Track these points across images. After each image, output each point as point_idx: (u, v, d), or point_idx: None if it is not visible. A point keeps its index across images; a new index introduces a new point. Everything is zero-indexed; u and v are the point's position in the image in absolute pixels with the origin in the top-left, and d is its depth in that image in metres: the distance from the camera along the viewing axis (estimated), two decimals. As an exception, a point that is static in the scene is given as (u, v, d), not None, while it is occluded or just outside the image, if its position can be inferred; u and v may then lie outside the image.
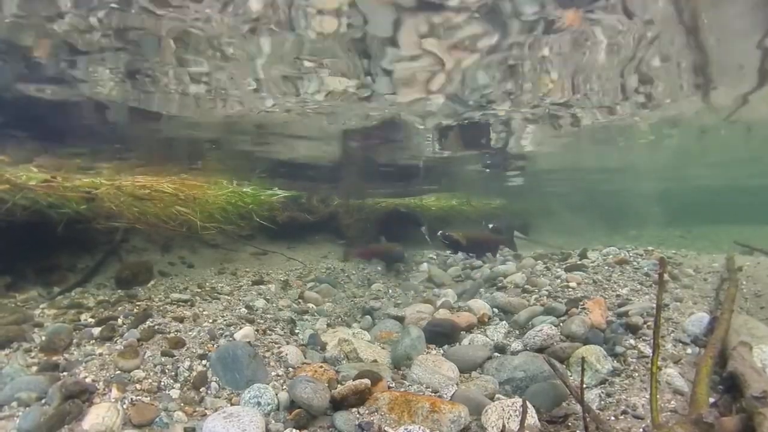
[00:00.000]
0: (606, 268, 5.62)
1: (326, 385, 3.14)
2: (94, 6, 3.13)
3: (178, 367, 3.38)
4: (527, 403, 2.69)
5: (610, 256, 6.05)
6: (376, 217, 10.02)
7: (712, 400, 2.84)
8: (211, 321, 4.26)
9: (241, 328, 4.10)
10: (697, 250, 7.29)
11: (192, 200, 5.77)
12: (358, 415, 2.94)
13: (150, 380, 3.22)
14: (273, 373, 3.48)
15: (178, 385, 3.23)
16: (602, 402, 3.08)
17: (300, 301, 5.57)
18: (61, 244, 5.42)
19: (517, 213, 15.39)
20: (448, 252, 7.86)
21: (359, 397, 3.02)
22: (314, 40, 3.55)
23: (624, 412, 2.93)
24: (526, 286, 5.30)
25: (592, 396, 3.11)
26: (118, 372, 3.25)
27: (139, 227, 5.51)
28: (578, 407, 2.89)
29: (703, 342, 3.62)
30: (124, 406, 2.89)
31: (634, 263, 5.69)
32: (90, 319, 4.21)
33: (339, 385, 3.18)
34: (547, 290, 5.06)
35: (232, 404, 3.06)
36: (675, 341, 3.74)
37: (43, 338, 3.67)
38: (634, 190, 19.32)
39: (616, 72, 4.56)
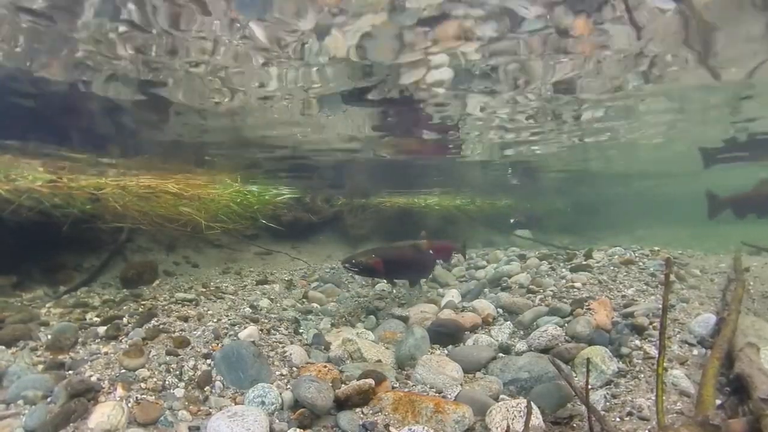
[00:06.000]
0: (611, 268, 5.59)
1: (330, 384, 3.13)
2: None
3: (183, 366, 3.39)
4: (531, 403, 2.68)
5: (616, 257, 6.02)
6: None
7: (718, 401, 2.81)
8: (215, 320, 4.27)
9: (245, 327, 4.11)
10: (704, 251, 7.24)
11: (197, 199, 5.80)
12: (362, 415, 2.93)
13: (155, 379, 3.23)
14: (277, 373, 3.48)
15: (183, 384, 3.24)
16: (607, 403, 3.06)
17: (304, 300, 5.58)
18: (66, 243, 5.46)
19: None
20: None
21: (363, 397, 3.02)
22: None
23: (629, 414, 2.91)
24: (530, 287, 5.28)
25: (597, 397, 3.09)
26: (123, 371, 3.27)
27: (143, 227, 5.54)
28: (583, 408, 2.87)
29: (709, 343, 3.59)
30: (129, 405, 2.90)
31: (640, 263, 5.65)
32: (95, 318, 4.24)
33: (343, 385, 3.18)
34: (551, 290, 5.04)
35: (236, 403, 3.06)
36: (681, 342, 3.71)
37: (49, 337, 3.70)
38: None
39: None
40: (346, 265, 4.72)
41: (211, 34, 3.42)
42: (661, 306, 2.75)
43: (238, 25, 3.33)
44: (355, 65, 4.05)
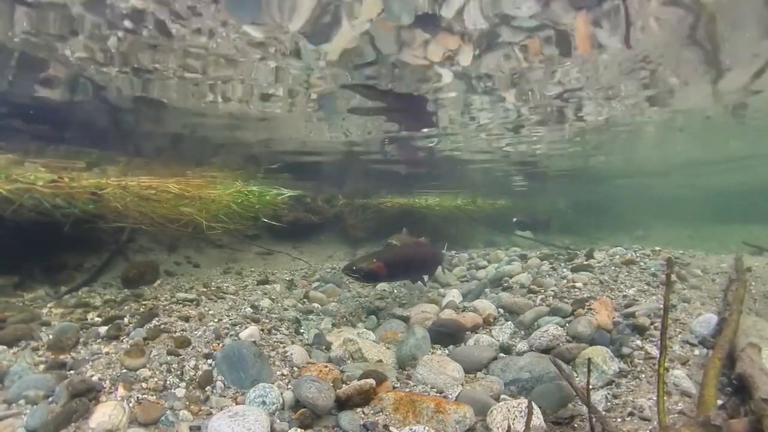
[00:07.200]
0: (613, 268, 5.59)
1: (331, 384, 3.13)
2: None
3: (184, 366, 3.40)
4: (533, 404, 2.68)
5: (617, 257, 6.01)
6: None
7: (720, 402, 2.81)
8: (216, 320, 4.28)
9: (246, 327, 4.11)
10: (705, 251, 7.23)
11: (198, 199, 5.80)
12: (362, 415, 2.94)
13: (156, 379, 3.24)
14: (278, 373, 3.49)
15: (184, 384, 3.24)
16: (608, 403, 3.05)
17: (305, 300, 5.58)
18: (68, 243, 5.46)
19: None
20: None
21: (364, 397, 3.02)
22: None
23: (631, 414, 2.91)
24: (531, 287, 5.27)
25: (598, 397, 3.09)
26: (125, 371, 3.27)
27: (145, 227, 5.54)
28: (584, 408, 2.86)
29: (710, 343, 3.59)
30: (130, 405, 2.91)
31: (641, 263, 5.65)
32: (97, 318, 4.24)
33: (344, 385, 3.18)
34: (553, 290, 5.04)
35: (237, 403, 3.07)
36: (682, 342, 3.70)
37: (51, 337, 3.70)
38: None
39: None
40: (347, 272, 4.62)
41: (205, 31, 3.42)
42: (662, 306, 2.75)
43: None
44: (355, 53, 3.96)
